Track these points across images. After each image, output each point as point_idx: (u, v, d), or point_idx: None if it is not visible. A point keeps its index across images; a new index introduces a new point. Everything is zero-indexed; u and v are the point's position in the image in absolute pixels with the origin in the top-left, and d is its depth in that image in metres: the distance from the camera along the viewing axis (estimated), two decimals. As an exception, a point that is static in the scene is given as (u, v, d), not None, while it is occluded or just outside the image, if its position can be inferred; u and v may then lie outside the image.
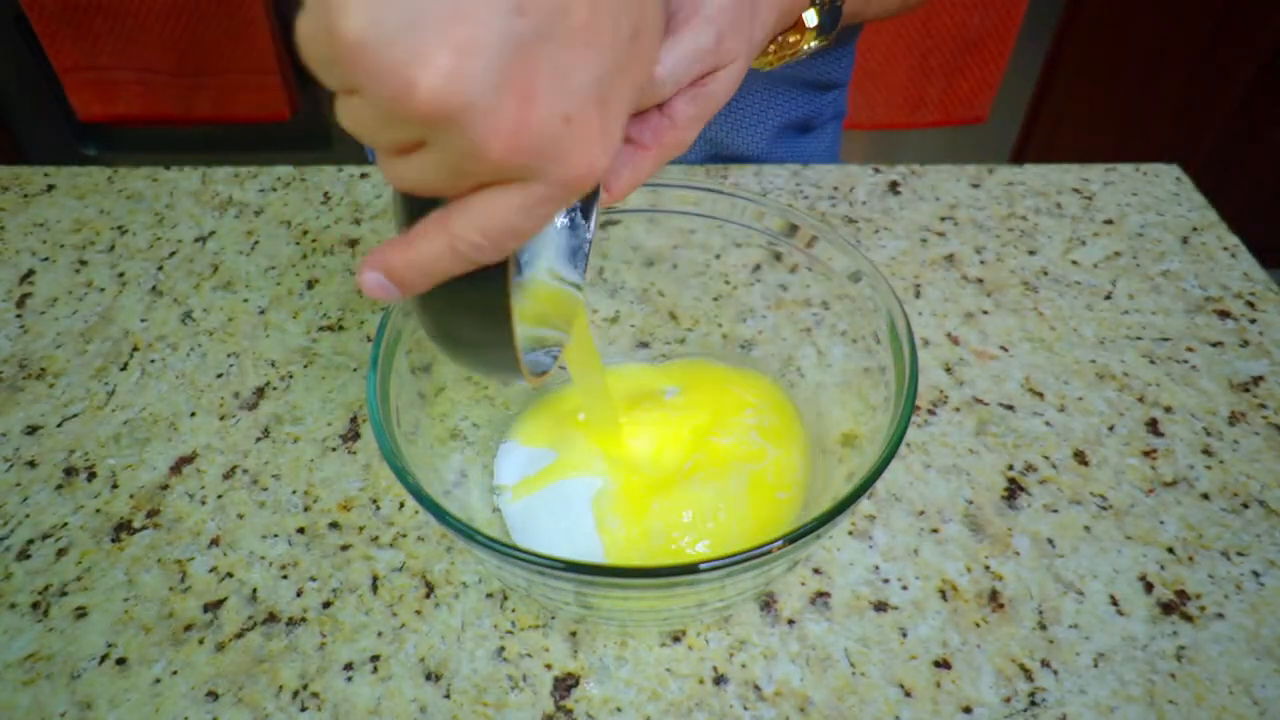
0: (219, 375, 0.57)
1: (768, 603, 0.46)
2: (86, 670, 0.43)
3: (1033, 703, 0.42)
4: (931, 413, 0.55)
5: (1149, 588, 0.46)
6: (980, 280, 0.64)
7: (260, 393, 0.56)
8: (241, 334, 0.60)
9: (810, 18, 0.48)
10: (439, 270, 0.29)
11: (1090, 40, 1.49)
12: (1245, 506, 0.50)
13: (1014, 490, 0.51)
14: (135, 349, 0.59)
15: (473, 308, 0.32)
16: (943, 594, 0.46)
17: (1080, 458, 0.53)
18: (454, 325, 0.34)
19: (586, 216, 0.40)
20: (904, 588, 0.46)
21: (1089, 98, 1.54)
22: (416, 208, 0.29)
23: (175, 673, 0.43)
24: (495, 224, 0.27)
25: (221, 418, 0.55)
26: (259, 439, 0.53)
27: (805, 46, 0.49)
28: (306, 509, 0.50)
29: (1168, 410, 0.55)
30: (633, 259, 0.54)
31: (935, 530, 0.49)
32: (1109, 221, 0.69)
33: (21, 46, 1.36)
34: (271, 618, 0.45)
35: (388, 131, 0.26)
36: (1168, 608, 0.46)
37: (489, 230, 0.27)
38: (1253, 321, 0.61)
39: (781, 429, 0.51)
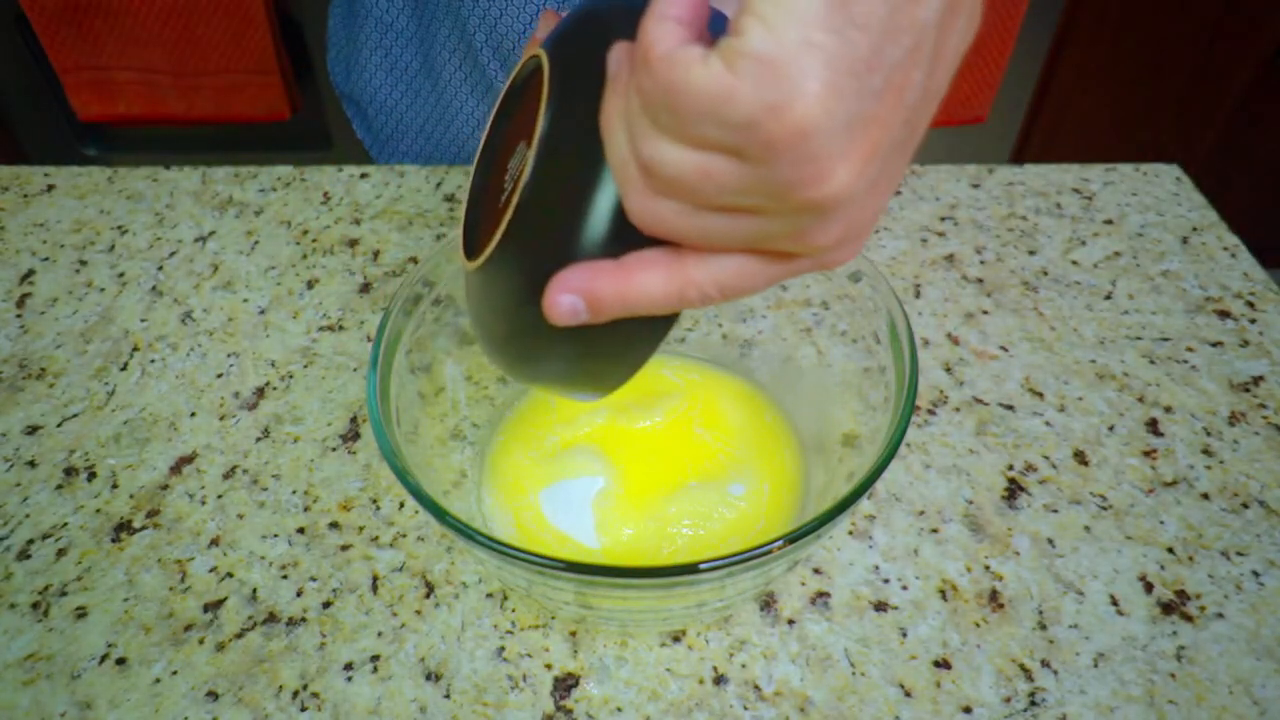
0: (219, 375, 0.57)
1: (768, 603, 0.46)
2: (86, 670, 0.43)
3: (1033, 703, 0.42)
4: (931, 413, 0.55)
5: (1149, 588, 0.46)
6: (980, 280, 0.64)
7: (260, 393, 0.56)
8: (241, 334, 0.60)
9: None
10: (648, 306, 0.29)
11: (1090, 40, 1.49)
12: (1245, 506, 0.50)
13: (1014, 490, 0.51)
14: (135, 349, 0.59)
15: (633, 338, 0.32)
16: (943, 594, 0.46)
17: (1080, 458, 0.53)
18: (599, 347, 0.33)
19: None
20: (904, 588, 0.46)
21: (1089, 98, 1.54)
22: (632, 239, 0.28)
23: (175, 673, 0.43)
24: (737, 283, 0.28)
25: (221, 418, 0.55)
26: (259, 439, 0.53)
27: None
28: (306, 509, 0.50)
29: (1168, 410, 0.55)
30: (633, 259, 0.54)
31: (935, 530, 0.49)
32: (1109, 221, 0.69)
33: (21, 46, 1.36)
34: (271, 618, 0.45)
35: (745, 198, 0.25)
36: (1168, 608, 0.46)
37: (726, 285, 0.28)
38: (1253, 321, 0.61)
39: (769, 436, 0.51)
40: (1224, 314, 0.61)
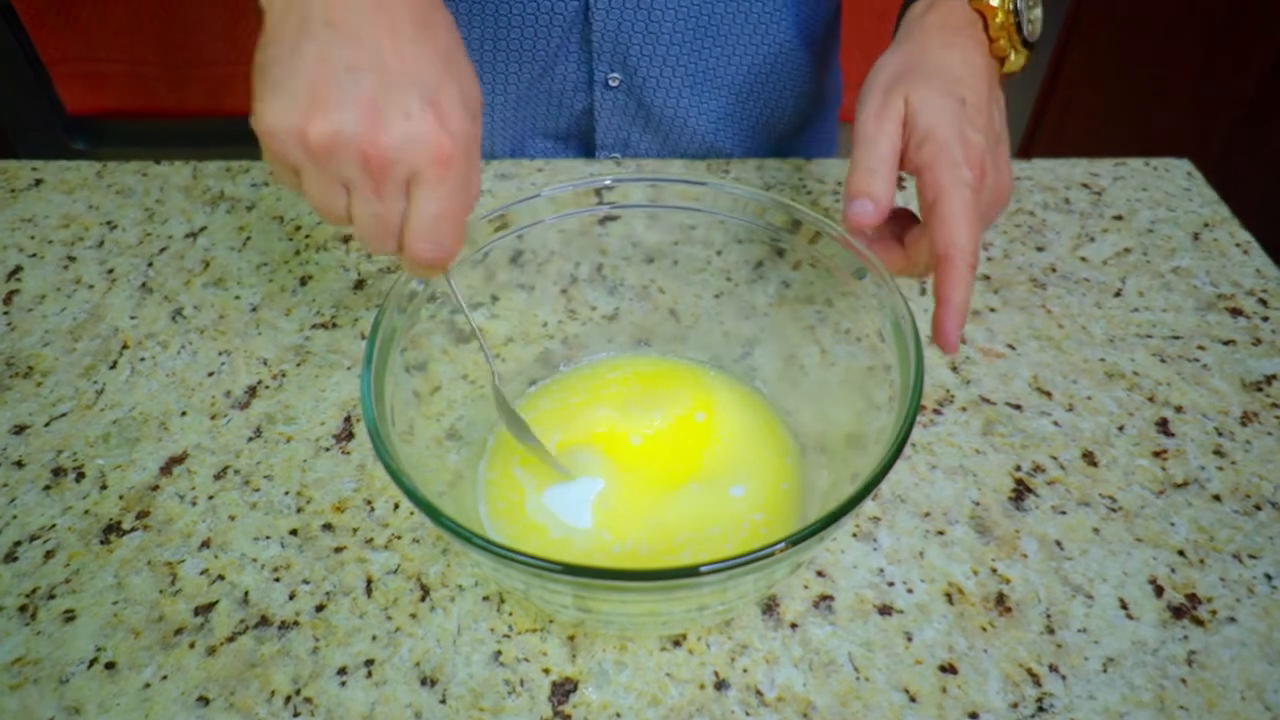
0: (210, 374, 0.57)
1: (770, 606, 0.46)
2: (75, 674, 0.43)
3: (1040, 708, 0.42)
4: (937, 412, 0.55)
5: (1159, 591, 0.46)
6: (987, 277, 0.64)
7: (252, 391, 0.56)
8: (233, 332, 0.60)
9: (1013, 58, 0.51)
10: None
11: (1099, 30, 1.49)
12: (1258, 508, 0.50)
13: (1021, 491, 0.51)
14: (125, 347, 0.59)
15: None
16: (949, 597, 0.46)
17: (1089, 458, 0.53)
18: None
19: None
20: (909, 591, 0.46)
21: (1098, 90, 1.54)
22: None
23: (165, 677, 0.43)
24: (425, 221, 0.38)
25: (213, 417, 0.55)
26: (251, 439, 0.53)
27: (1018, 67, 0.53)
28: (299, 510, 0.50)
29: (1178, 410, 0.55)
30: (632, 255, 0.54)
31: (941, 532, 0.49)
32: (1118, 217, 0.69)
33: (8, 37, 1.35)
34: (264, 621, 0.45)
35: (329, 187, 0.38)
36: (1178, 611, 0.46)
37: (423, 229, 0.39)
38: (1265, 319, 0.61)
39: (771, 437, 0.51)
40: (1236, 312, 0.61)
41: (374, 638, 0.44)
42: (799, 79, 0.74)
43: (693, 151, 0.76)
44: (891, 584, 0.47)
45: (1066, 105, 1.54)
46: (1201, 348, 0.59)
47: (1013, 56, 0.50)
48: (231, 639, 0.44)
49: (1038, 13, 0.52)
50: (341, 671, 0.43)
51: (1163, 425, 0.54)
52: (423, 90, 0.36)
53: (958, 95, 0.46)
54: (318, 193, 0.38)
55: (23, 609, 0.45)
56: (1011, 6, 0.49)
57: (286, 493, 0.51)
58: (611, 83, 0.71)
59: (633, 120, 0.74)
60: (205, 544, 0.48)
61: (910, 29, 0.50)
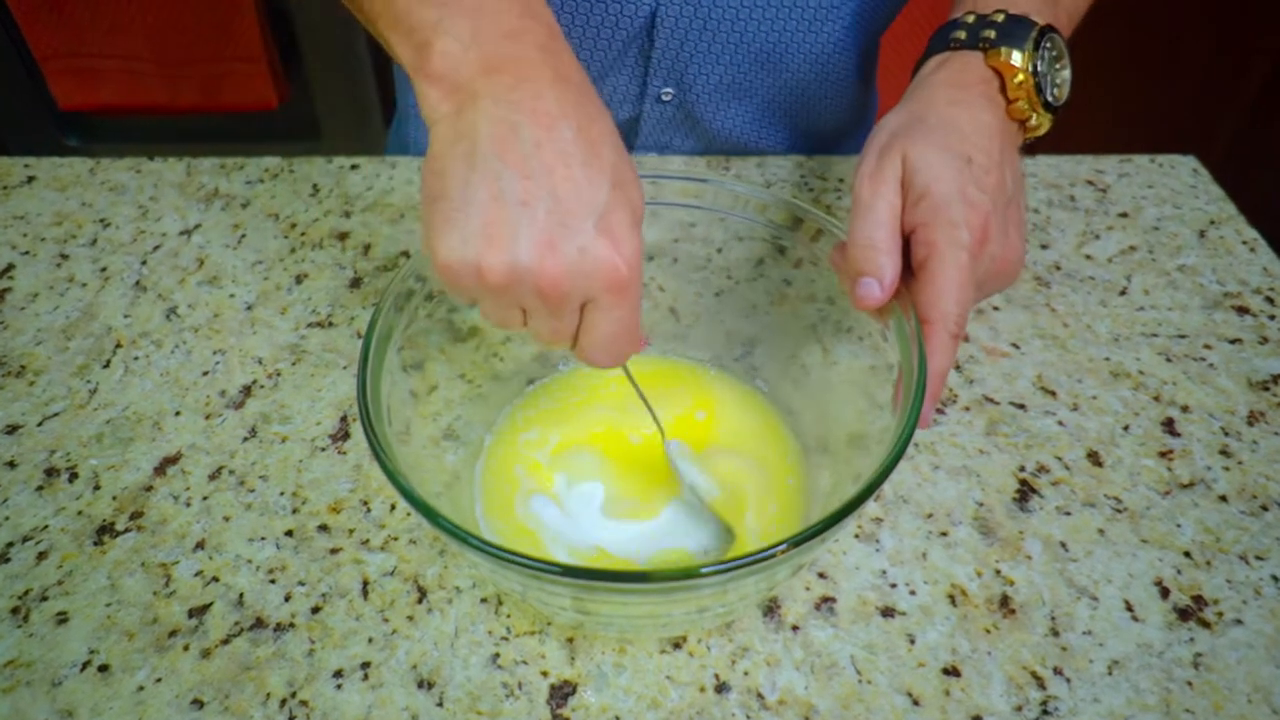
0: (204, 373, 0.57)
1: (771, 608, 0.46)
2: (68, 677, 0.43)
3: (1045, 711, 0.42)
4: (940, 412, 0.55)
5: (1165, 593, 0.46)
6: (991, 275, 0.64)
7: (247, 391, 0.56)
8: (228, 330, 0.60)
9: (1034, 120, 0.48)
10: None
11: (1104, 25, 1.49)
12: (1264, 509, 0.50)
13: (1025, 492, 0.51)
14: (118, 346, 0.59)
15: None
16: (952, 599, 0.46)
17: (1094, 458, 0.53)
18: None
19: None
20: (912, 593, 0.46)
21: (1103, 85, 1.54)
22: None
23: (159, 680, 0.43)
24: (602, 340, 0.39)
25: (207, 417, 0.55)
26: (246, 439, 0.53)
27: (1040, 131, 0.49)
28: (295, 511, 0.50)
29: (1184, 410, 0.55)
30: (632, 253, 0.54)
31: (944, 533, 0.49)
32: (1124, 214, 0.69)
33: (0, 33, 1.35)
34: (259, 623, 0.45)
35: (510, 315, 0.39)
36: (1184, 613, 0.46)
37: (599, 345, 0.39)
38: (1272, 318, 0.61)
39: (772, 437, 0.51)
40: (1243, 310, 0.61)
41: (370, 640, 0.44)
42: (844, 89, 0.74)
43: (732, 154, 0.76)
44: (894, 586, 0.47)
45: (1071, 102, 1.54)
46: (1208, 346, 0.59)
47: (1034, 119, 0.47)
48: (226, 641, 0.44)
49: (1066, 74, 0.48)
50: (337, 674, 0.43)
51: (1168, 425, 0.54)
52: (595, 216, 0.36)
53: (962, 152, 0.43)
54: (495, 316, 0.39)
55: (15, 611, 0.45)
56: (1032, 67, 0.45)
57: (282, 493, 0.50)
58: (664, 98, 0.71)
59: (676, 129, 0.75)
60: (199, 545, 0.48)
61: (917, 86, 0.48)
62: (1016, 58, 0.45)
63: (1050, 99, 0.46)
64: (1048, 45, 0.46)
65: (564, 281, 0.36)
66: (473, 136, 0.36)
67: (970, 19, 0.47)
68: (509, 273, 0.35)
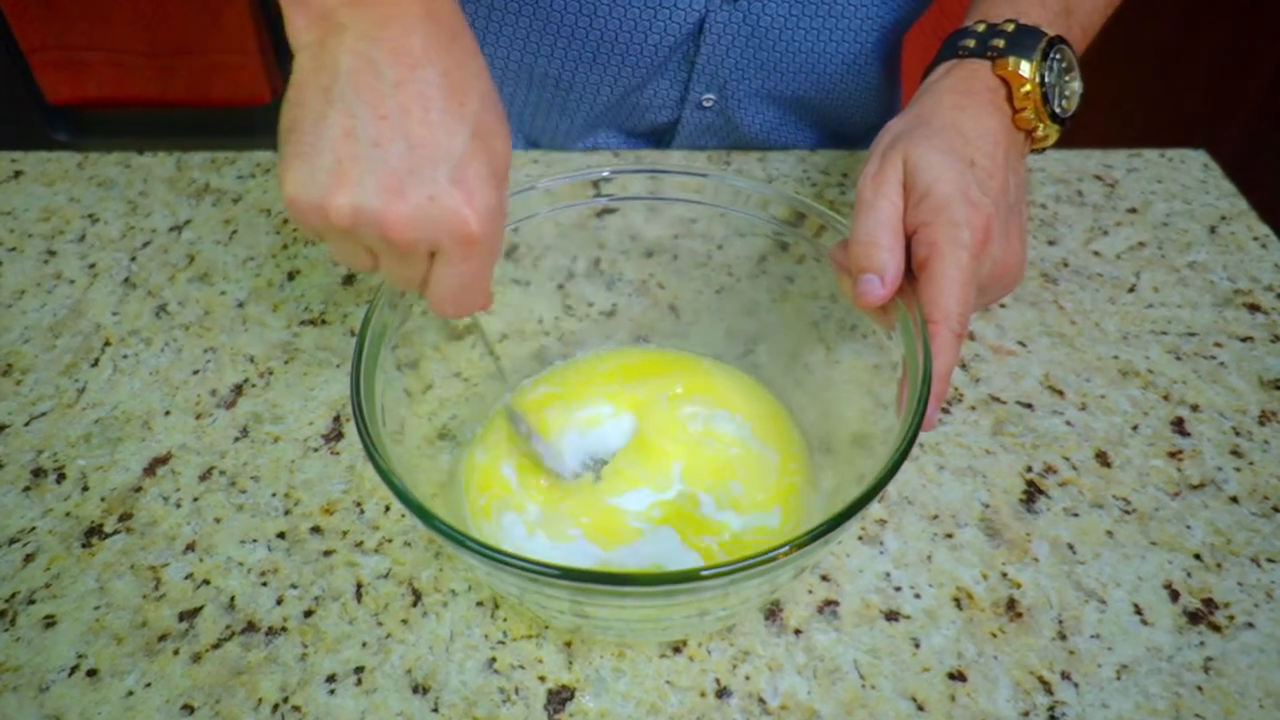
0: (195, 372, 0.57)
1: (773, 611, 0.46)
2: (55, 682, 0.43)
3: (1052, 717, 0.42)
4: (946, 411, 0.55)
5: (1174, 596, 0.46)
6: (997, 272, 0.64)
7: (238, 390, 0.56)
8: (219, 328, 0.60)
9: (1041, 130, 0.48)
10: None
11: (1113, 16, 1.49)
12: (1276, 510, 0.50)
13: (1032, 493, 0.51)
14: (107, 344, 0.59)
15: None
16: (957, 602, 0.46)
17: (1102, 459, 0.52)
18: None
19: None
20: (916, 596, 0.46)
21: (1112, 78, 1.54)
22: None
23: (149, 685, 0.43)
24: (448, 290, 0.39)
25: (198, 416, 0.55)
26: (237, 439, 0.53)
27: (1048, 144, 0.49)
28: (287, 512, 0.50)
29: (1194, 409, 0.55)
30: (631, 249, 0.54)
31: (949, 535, 0.49)
32: (1133, 210, 0.69)
33: (-13, 25, 1.35)
34: (250, 627, 0.45)
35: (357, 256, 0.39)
36: (1194, 617, 0.46)
37: (445, 296, 0.39)
38: (1284, 315, 0.61)
39: (774, 437, 0.51)
40: (1254, 308, 0.61)
41: (364, 644, 0.44)
42: (873, 90, 0.75)
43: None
44: (898, 589, 0.47)
45: (1079, 110, 1.53)
46: (1218, 345, 0.59)
47: (1041, 130, 0.47)
48: (217, 645, 0.44)
49: (1076, 85, 0.48)
50: (330, 679, 0.43)
51: (1178, 425, 0.54)
52: (449, 164, 0.35)
53: (965, 155, 0.43)
54: (341, 255, 0.39)
55: (2, 614, 0.45)
56: (1040, 77, 0.46)
57: (274, 494, 0.50)
58: (705, 103, 0.71)
59: (713, 134, 0.75)
60: (190, 547, 0.48)
61: (923, 92, 0.48)
62: (1024, 68, 0.46)
63: (1058, 110, 0.47)
64: (1057, 56, 0.47)
65: (409, 229, 0.36)
66: (333, 70, 0.35)
67: (980, 27, 0.48)
68: (353, 214, 0.35)
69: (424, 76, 0.35)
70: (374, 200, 0.35)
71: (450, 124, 0.36)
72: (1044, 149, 0.49)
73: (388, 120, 0.35)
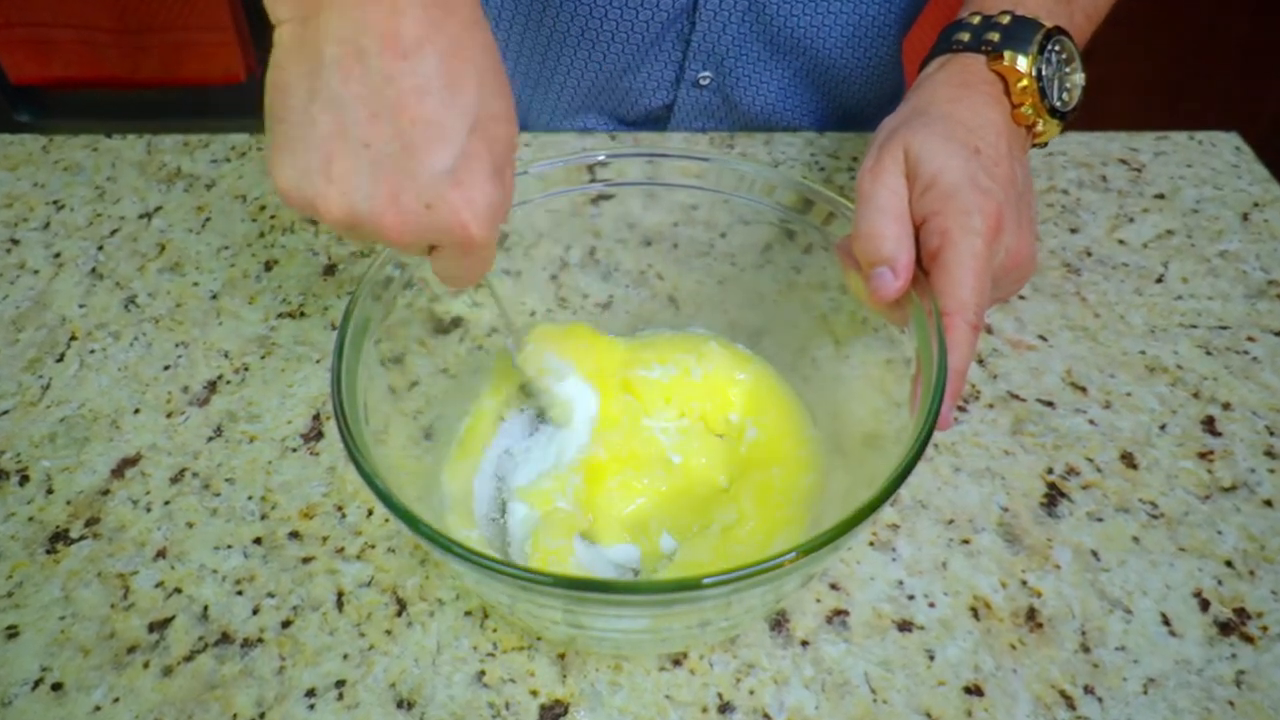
0: (166, 367, 0.57)
1: (779, 622, 0.46)
2: (18, 697, 0.43)
3: (1074, 733, 0.42)
4: (962, 409, 0.55)
5: (1205, 605, 0.46)
6: (1017, 262, 0.64)
7: (212, 387, 0.56)
8: (191, 321, 0.60)
9: (1041, 126, 0.48)
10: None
11: (1140, -6, 1.49)
12: (1312, 514, 0.50)
13: (1054, 496, 0.51)
14: (73, 338, 0.59)
15: None
16: (974, 612, 0.46)
17: (1128, 460, 0.52)
18: None
19: None
20: (931, 605, 0.46)
21: (1138, 57, 1.54)
22: None
23: (117, 700, 0.43)
24: (447, 275, 0.40)
25: (169, 415, 0.54)
26: (211, 439, 0.53)
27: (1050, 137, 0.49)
28: (264, 517, 0.50)
29: (1226, 407, 0.55)
30: (629, 238, 0.54)
31: (966, 541, 0.49)
32: (1160, 196, 0.69)
33: (-54, 0, 1.35)
34: (225, 639, 0.45)
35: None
36: (1226, 627, 0.46)
37: (446, 279, 0.41)
38: (1321, 308, 0.61)
39: (781, 436, 0.51)
40: (1289, 299, 0.61)
41: (345, 656, 0.44)
42: (878, 63, 0.75)
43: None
44: (912, 597, 0.47)
45: (1104, 74, 1.53)
46: (1251, 339, 0.59)
47: (1040, 125, 0.47)
48: (189, 658, 0.44)
49: (1077, 78, 0.48)
50: (310, 693, 0.43)
51: (1209, 424, 0.54)
52: (447, 163, 0.35)
53: (968, 143, 0.43)
54: (338, 234, 0.41)
55: (-40, 625, 0.45)
56: (1036, 71, 0.46)
57: (250, 498, 0.50)
58: (701, 82, 0.71)
59: (711, 114, 0.75)
60: (161, 554, 0.48)
61: (918, 86, 0.48)
62: (1021, 62, 0.46)
63: (1058, 104, 0.47)
64: (1055, 48, 0.47)
65: (406, 234, 0.36)
66: (316, 56, 0.34)
67: (975, 20, 0.48)
68: (348, 217, 0.35)
69: (416, 67, 0.34)
70: (368, 205, 0.35)
71: (447, 119, 0.35)
72: (1044, 144, 0.49)
73: (379, 119, 0.34)
